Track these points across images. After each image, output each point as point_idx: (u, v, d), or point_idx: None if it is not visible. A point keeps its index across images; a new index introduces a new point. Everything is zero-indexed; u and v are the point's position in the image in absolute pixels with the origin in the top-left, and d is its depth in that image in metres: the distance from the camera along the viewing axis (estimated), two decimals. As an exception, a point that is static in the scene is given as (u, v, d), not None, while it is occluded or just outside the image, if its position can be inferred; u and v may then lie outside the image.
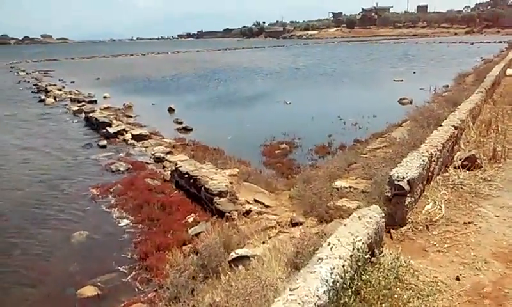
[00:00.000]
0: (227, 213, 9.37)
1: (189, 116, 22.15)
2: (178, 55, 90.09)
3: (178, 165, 11.82)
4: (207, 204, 10.11)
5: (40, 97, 30.23)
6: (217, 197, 9.83)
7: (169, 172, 12.41)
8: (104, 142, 16.76)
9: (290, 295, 3.54)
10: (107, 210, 10.35)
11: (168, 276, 7.17)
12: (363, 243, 4.70)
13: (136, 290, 7.10)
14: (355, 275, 4.22)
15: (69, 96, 30.20)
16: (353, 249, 4.41)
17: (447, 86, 26.66)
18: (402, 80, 33.71)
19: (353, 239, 4.66)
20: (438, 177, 7.94)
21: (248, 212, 9.38)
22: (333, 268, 3.97)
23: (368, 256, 4.68)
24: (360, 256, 4.39)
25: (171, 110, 23.84)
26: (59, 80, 42.78)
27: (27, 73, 51.50)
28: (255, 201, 9.81)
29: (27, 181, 12.59)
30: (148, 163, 13.96)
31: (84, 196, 11.29)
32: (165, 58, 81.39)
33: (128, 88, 35.36)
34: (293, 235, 7.83)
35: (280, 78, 39.20)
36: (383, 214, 5.47)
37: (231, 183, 10.51)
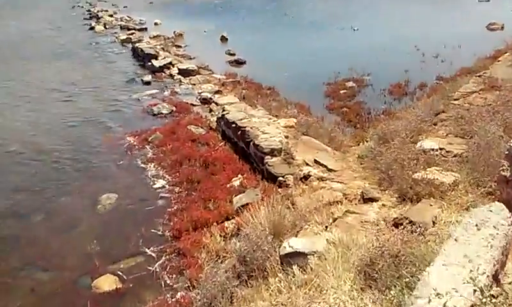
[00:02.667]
0: (280, 178, 7.61)
1: (243, 45, 20.02)
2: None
3: (225, 112, 10.05)
4: (256, 163, 8.38)
5: (90, 24, 28.97)
6: (269, 157, 8.04)
7: (215, 118, 10.69)
8: (149, 77, 15.22)
9: None
10: (142, 165, 8.92)
11: (203, 269, 5.66)
12: (487, 276, 2.90)
13: (163, 285, 5.64)
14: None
15: (120, 23, 28.68)
16: (474, 291, 2.70)
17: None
18: (488, 1, 29.17)
19: (472, 271, 2.89)
20: None
21: (306, 177, 7.55)
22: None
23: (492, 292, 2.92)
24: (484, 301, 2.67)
25: (223, 39, 21.79)
26: (112, 4, 41.31)
27: (82, -3, 50.42)
28: (316, 162, 7.94)
29: (62, 125, 11.40)
30: (193, 104, 12.31)
31: (119, 145, 9.91)
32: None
33: (181, 12, 33.34)
34: (365, 217, 5.99)
35: (342, 1, 35.45)
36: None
37: (286, 137, 8.65)
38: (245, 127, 8.96)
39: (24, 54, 20.71)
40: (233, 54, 18.17)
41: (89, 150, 9.73)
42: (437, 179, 6.18)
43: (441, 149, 7.23)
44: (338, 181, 7.28)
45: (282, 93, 12.85)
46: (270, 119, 9.52)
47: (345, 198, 6.71)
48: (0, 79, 16.34)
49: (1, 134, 10.91)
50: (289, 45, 20.48)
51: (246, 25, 26.36)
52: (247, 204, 7.00)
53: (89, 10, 36.68)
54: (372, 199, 6.42)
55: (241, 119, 9.36)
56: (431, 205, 5.81)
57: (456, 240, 3.34)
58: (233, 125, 9.35)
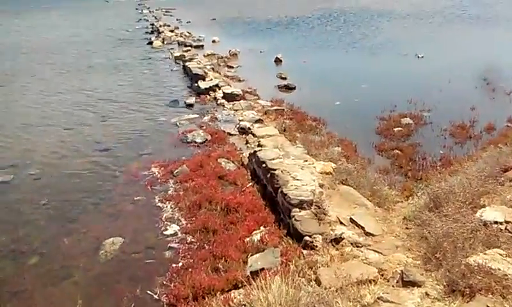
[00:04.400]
0: (307, 238, 6.43)
1: (297, 68, 19.03)
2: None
3: (257, 148, 9.03)
4: (283, 214, 7.26)
5: (150, 38, 29.19)
6: (297, 210, 6.88)
7: (249, 152, 9.70)
8: (192, 99, 14.55)
9: None
10: (160, 204, 8.06)
11: None
12: None
13: None
14: None
15: (178, 38, 28.65)
16: None
17: None
18: None
19: None
20: None
21: (337, 240, 6.34)
22: None
23: None
24: None
25: (277, 60, 20.87)
26: (177, 19, 41.92)
27: (150, 11, 51.87)
28: (351, 221, 6.70)
29: (90, 148, 10.91)
30: (230, 134, 11.40)
31: (142, 176, 9.15)
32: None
33: (242, 30, 32.96)
34: (403, 309, 4.75)
35: (413, 23, 33.49)
36: None
37: (321, 185, 7.46)
38: (275, 170, 7.87)
39: (79, 66, 21.08)
40: (285, 78, 17.18)
41: (109, 180, 9.07)
42: (499, 269, 4.81)
43: (507, 222, 5.78)
44: (375, 251, 6.02)
45: (329, 126, 11.69)
46: (306, 161, 8.36)
47: (381, 275, 5.46)
48: (54, 89, 16.52)
49: (28, 153, 10.57)
50: (345, 69, 19.24)
51: (304, 46, 25.32)
52: (262, 269, 5.92)
53: (152, 24, 37.26)
54: (414, 283, 5.13)
55: (272, 160, 8.28)
56: (487, 306, 4.49)
57: None
58: (264, 165, 8.30)
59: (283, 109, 12.99)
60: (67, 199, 8.35)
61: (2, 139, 11.64)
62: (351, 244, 6.27)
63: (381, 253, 5.93)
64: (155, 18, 43.22)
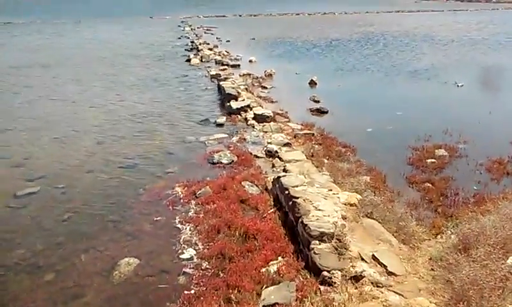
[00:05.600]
0: (325, 273, 6.15)
1: (331, 92, 18.83)
2: (346, 16, 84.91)
3: (281, 175, 8.82)
4: (303, 245, 7.00)
5: (188, 56, 29.65)
6: (317, 242, 6.61)
7: (273, 177, 9.50)
8: (223, 119, 14.55)
9: None
10: (179, 225, 7.97)
11: None
12: None
13: None
14: None
15: (216, 57, 28.97)
16: None
17: None
18: None
19: None
20: None
21: (357, 278, 6.04)
22: None
23: None
24: None
25: (312, 83, 20.70)
26: (217, 38, 42.49)
27: (191, 29, 52.85)
28: (374, 258, 6.37)
29: (118, 164, 10.96)
30: (257, 156, 11.25)
31: (164, 195, 9.10)
32: (330, 19, 77.35)
33: (279, 52, 33.04)
34: None
35: (455, 50, 32.66)
36: None
37: (344, 218, 7.17)
38: (297, 198, 7.64)
39: (117, 80, 21.66)
40: (318, 101, 16.96)
41: (132, 198, 9.06)
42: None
43: (543, 273, 5.33)
44: (396, 292, 5.70)
45: (359, 153, 11.35)
46: (330, 190, 8.09)
47: (401, 324, 5.13)
48: (88, 103, 16.93)
49: (57, 165, 10.77)
50: (381, 95, 18.85)
51: (341, 69, 25.08)
52: (275, 304, 5.68)
53: (192, 42, 37.89)
54: (435, 334, 4.78)
55: (296, 187, 8.05)
56: None
57: None
58: (286, 192, 8.07)
59: (313, 134, 12.75)
60: (89, 214, 8.39)
61: (35, 150, 11.93)
62: (372, 283, 5.95)
63: (403, 296, 5.60)
64: (196, 35, 43.96)
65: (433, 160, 10.65)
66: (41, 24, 57.50)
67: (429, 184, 9.34)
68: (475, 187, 9.13)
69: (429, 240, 7.10)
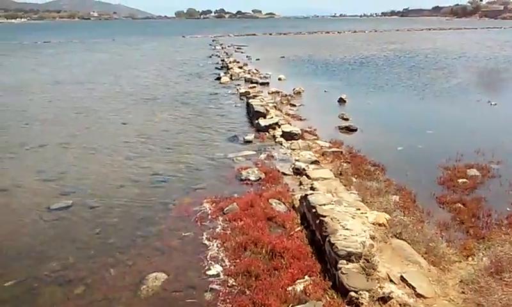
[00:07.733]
0: (352, 293, 6.07)
1: (360, 110, 18.70)
2: (376, 34, 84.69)
3: (308, 193, 8.80)
4: (330, 265, 6.94)
5: (219, 74, 30.10)
6: (344, 262, 6.55)
7: (300, 195, 9.48)
8: (251, 136, 14.65)
9: None
10: (206, 241, 8.01)
11: None
12: None
13: None
14: None
15: (246, 75, 29.31)
16: None
17: None
18: None
19: None
20: None
21: (385, 299, 5.93)
22: None
23: None
24: None
25: (341, 101, 20.62)
26: (247, 56, 43.06)
27: (222, 47, 53.78)
28: (402, 280, 6.25)
29: (149, 180, 11.14)
30: (285, 174, 11.26)
31: (193, 212, 9.19)
32: (360, 37, 77.25)
33: (309, 70, 33.18)
34: None
35: (488, 69, 31.98)
36: None
37: (372, 238, 7.09)
38: (324, 216, 7.59)
39: (147, 97, 22.18)
40: (347, 119, 16.88)
41: (161, 214, 9.19)
42: None
43: None
44: (425, 315, 5.55)
45: (389, 172, 11.18)
46: (358, 209, 8.01)
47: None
48: (121, 119, 17.35)
49: (89, 181, 11.05)
50: (412, 113, 18.61)
51: (371, 86, 24.96)
52: (300, 324, 5.64)
53: (223, 60, 38.47)
54: None
55: (323, 205, 8.01)
56: None
57: None
58: (313, 210, 8.04)
59: (341, 152, 12.68)
60: (119, 229, 8.55)
61: (68, 165, 12.28)
62: (400, 304, 5.83)
63: (432, 319, 5.47)
64: (226, 54, 44.63)
65: (465, 180, 10.41)
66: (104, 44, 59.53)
67: (460, 205, 9.12)
68: (508, 209, 8.85)
69: (460, 262, 6.91)
